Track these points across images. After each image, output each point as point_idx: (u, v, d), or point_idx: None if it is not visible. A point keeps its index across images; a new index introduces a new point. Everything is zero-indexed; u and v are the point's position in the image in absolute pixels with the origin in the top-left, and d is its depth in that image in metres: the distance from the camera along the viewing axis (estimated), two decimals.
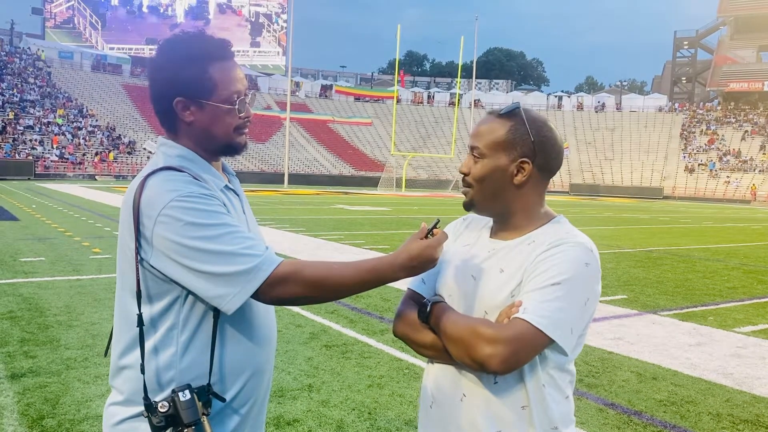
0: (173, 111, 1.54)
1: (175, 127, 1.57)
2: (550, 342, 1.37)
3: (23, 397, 4.03)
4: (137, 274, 1.45)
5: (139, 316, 1.46)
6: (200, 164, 1.56)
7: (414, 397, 4.29)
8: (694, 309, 7.69)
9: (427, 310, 1.50)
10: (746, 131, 64.88)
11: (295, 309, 6.71)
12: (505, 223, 1.55)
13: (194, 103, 1.52)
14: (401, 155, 57.81)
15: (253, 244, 1.42)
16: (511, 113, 1.51)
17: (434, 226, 1.47)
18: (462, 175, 1.56)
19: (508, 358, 1.33)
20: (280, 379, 4.50)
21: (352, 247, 12.27)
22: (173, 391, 1.40)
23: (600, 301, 7.78)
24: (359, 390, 4.40)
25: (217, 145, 1.58)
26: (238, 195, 1.65)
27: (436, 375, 1.54)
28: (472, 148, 1.53)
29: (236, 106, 1.54)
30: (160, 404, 1.38)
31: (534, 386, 1.43)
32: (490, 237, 1.58)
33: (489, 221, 1.61)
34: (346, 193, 41.66)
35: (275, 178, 51.18)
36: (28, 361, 4.73)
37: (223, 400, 1.49)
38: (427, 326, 1.50)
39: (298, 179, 51.51)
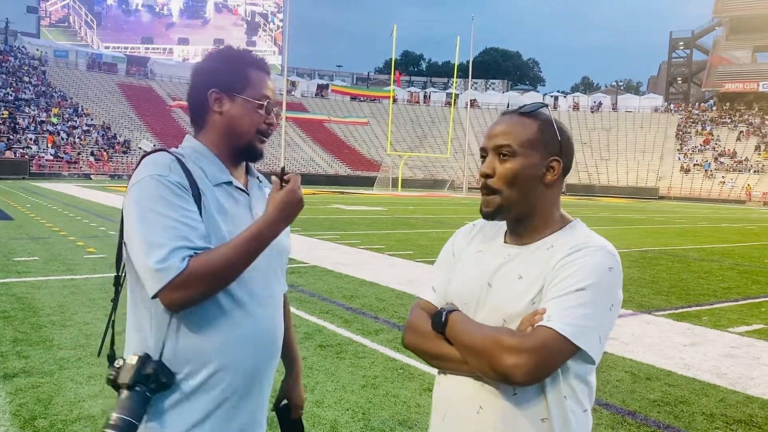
0: (206, 102, 1.65)
1: (204, 119, 1.67)
2: (576, 350, 1.32)
3: (15, 397, 4.01)
4: (120, 236, 1.58)
5: (116, 277, 1.64)
6: (209, 158, 1.64)
7: (408, 397, 4.29)
8: (689, 309, 7.70)
9: (442, 319, 1.43)
10: (741, 132, 65.08)
11: (290, 309, 6.69)
12: (522, 227, 1.48)
13: (227, 95, 1.64)
14: (397, 155, 57.82)
15: (175, 246, 1.44)
16: (538, 112, 1.47)
17: (283, 175, 1.58)
18: (482, 179, 1.47)
19: (533, 368, 1.28)
20: (274, 379, 4.48)
21: (348, 247, 12.26)
22: (133, 354, 1.51)
23: None
24: (353, 390, 4.40)
25: (239, 143, 1.66)
26: (248, 195, 1.69)
27: (449, 386, 1.47)
28: (499, 147, 1.45)
29: (263, 108, 1.65)
30: (116, 360, 1.50)
31: (555, 398, 1.37)
32: (504, 242, 1.51)
33: (502, 225, 1.54)
34: (342, 192, 41.64)
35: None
36: (20, 361, 4.71)
37: (173, 382, 1.51)
38: (443, 336, 1.43)
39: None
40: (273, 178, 1.60)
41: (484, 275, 1.47)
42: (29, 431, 3.54)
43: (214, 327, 1.54)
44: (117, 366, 1.48)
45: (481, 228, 1.60)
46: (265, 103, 1.66)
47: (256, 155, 1.69)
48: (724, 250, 14.91)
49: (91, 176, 45.43)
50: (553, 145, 1.46)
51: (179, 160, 1.56)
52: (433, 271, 1.63)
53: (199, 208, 1.53)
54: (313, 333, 5.80)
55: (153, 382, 1.48)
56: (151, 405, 1.49)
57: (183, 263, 1.43)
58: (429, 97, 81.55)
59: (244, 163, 1.74)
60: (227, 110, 1.64)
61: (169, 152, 1.59)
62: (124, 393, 1.44)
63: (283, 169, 1.62)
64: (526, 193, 1.44)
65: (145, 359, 1.49)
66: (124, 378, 1.45)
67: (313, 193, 37.67)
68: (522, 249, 1.46)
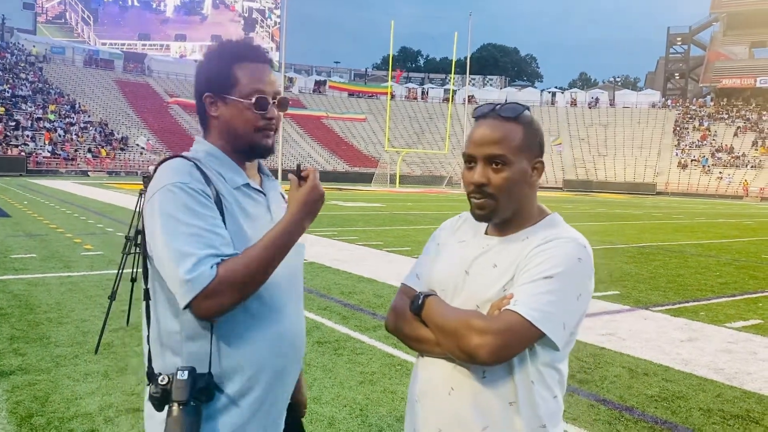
0: (204, 106, 1.64)
1: (207, 123, 1.66)
2: (540, 335, 1.36)
3: (12, 395, 4.00)
4: (144, 248, 1.55)
5: (146, 290, 1.58)
6: (223, 161, 1.63)
7: (406, 393, 4.27)
8: (686, 304, 7.71)
9: (419, 302, 1.51)
10: (739, 127, 65.14)
11: None
12: (506, 222, 1.53)
13: (219, 98, 1.61)
14: (395, 151, 57.77)
15: (205, 254, 1.42)
16: (520, 114, 1.49)
17: (300, 172, 1.58)
18: (473, 186, 1.49)
19: (497, 349, 1.34)
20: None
21: (346, 244, 12.25)
22: (177, 369, 1.45)
23: (592, 297, 7.77)
24: (351, 387, 4.39)
25: (241, 143, 1.64)
26: (265, 195, 1.68)
27: (425, 368, 1.54)
28: (492, 157, 1.46)
29: (252, 102, 1.59)
30: (160, 377, 1.44)
31: (522, 382, 1.42)
32: (485, 233, 1.57)
33: None
34: (340, 189, 41.61)
35: (270, 173, 51.04)
36: (17, 358, 4.70)
37: (221, 391, 1.51)
38: (419, 319, 1.51)
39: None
40: (290, 176, 1.58)
41: (463, 264, 1.54)
42: (26, 429, 3.54)
43: (247, 331, 1.55)
44: (163, 383, 1.43)
45: (466, 220, 1.67)
46: (255, 99, 1.59)
47: (263, 152, 1.66)
48: (721, 245, 14.93)
49: (89, 173, 45.34)
50: (536, 148, 1.51)
51: (197, 166, 1.54)
52: (418, 258, 1.70)
53: (222, 214, 1.52)
54: (311, 329, 5.79)
55: (204, 395, 1.47)
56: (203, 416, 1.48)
57: (212, 271, 1.41)
58: (427, 93, 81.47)
59: (256, 162, 1.73)
60: (221, 114, 1.62)
61: (186, 158, 1.57)
62: (177, 409, 1.41)
63: (299, 166, 1.60)
64: (518, 196, 1.50)
65: (195, 374, 1.46)
66: (181, 395, 1.41)
67: None
68: (500, 240, 1.53)
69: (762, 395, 4.54)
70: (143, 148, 52.03)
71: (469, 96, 69.26)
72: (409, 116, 74.92)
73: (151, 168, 1.65)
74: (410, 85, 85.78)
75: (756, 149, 61.05)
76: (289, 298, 1.65)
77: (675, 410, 4.19)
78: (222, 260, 1.43)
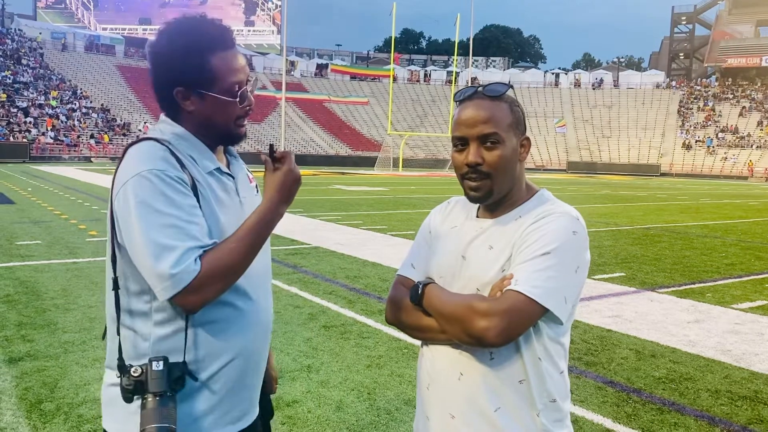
0: (174, 99, 1.54)
1: (176, 114, 1.57)
2: (544, 311, 1.38)
3: (21, 381, 4.02)
4: (112, 236, 1.49)
5: (114, 279, 1.51)
6: (194, 143, 1.56)
7: (413, 376, 4.29)
8: (692, 286, 7.70)
9: (419, 291, 1.50)
10: (744, 107, 64.68)
11: (293, 290, 6.70)
12: (497, 203, 1.53)
13: (194, 93, 1.53)
14: (398, 135, 57.61)
15: (187, 247, 1.39)
16: (504, 93, 1.49)
17: (273, 153, 1.53)
18: (466, 167, 1.48)
19: (503, 330, 1.34)
20: (279, 360, 4.49)
21: (350, 228, 12.25)
22: (150, 360, 1.42)
23: (598, 279, 7.81)
24: (358, 370, 4.40)
25: (217, 133, 1.59)
26: (234, 178, 1.63)
27: (431, 356, 1.54)
28: (485, 136, 1.46)
29: (237, 99, 1.55)
30: (132, 368, 1.41)
31: (530, 359, 1.43)
32: (477, 217, 1.57)
33: None
34: (343, 173, 41.56)
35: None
36: (25, 345, 4.71)
37: (195, 379, 1.49)
38: (420, 308, 1.50)
39: (294, 159, 51.28)
40: (264, 158, 1.53)
41: (459, 249, 1.53)
42: (36, 415, 3.55)
43: (223, 319, 1.54)
44: (136, 374, 1.40)
45: (455, 205, 1.67)
46: (238, 94, 1.54)
47: (236, 140, 1.62)
48: (726, 226, 14.88)
49: (92, 159, 45.35)
50: (521, 124, 1.52)
51: (170, 150, 1.48)
52: (411, 248, 1.69)
53: (198, 201, 1.48)
54: (317, 314, 5.80)
55: (179, 384, 1.45)
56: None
57: (197, 265, 1.39)
58: (429, 75, 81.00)
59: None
60: (198, 108, 1.54)
61: (157, 141, 1.50)
62: (152, 400, 1.38)
63: (271, 146, 1.56)
64: (511, 174, 1.50)
65: (169, 364, 1.43)
66: (157, 386, 1.39)
67: (314, 174, 37.61)
68: (493, 221, 1.53)
69: None
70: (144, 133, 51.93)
71: (472, 78, 68.88)
72: (411, 99, 74.58)
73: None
74: (413, 67, 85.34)
75: (761, 129, 60.66)
76: (260, 284, 1.64)
77: (683, 392, 4.19)
78: (204, 251, 1.41)
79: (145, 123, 52.74)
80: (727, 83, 70.65)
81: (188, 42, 1.50)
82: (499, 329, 1.34)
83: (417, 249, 1.66)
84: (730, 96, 67.85)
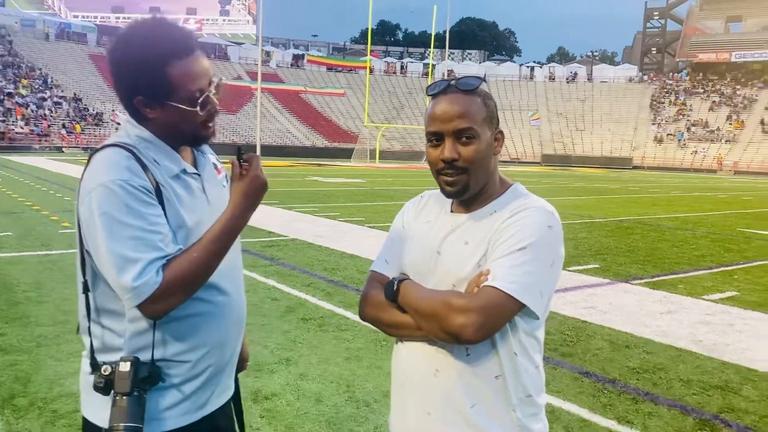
0: (135, 106, 1.54)
1: (139, 118, 1.57)
2: (521, 307, 1.38)
3: None
4: (79, 239, 1.51)
5: (84, 283, 1.54)
6: (158, 146, 1.56)
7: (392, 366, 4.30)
8: (665, 277, 7.83)
9: (394, 288, 1.48)
10: (714, 101, 65.77)
11: (271, 282, 6.67)
12: (471, 197, 1.52)
13: (154, 102, 1.52)
14: (374, 126, 57.48)
15: (149, 259, 1.40)
16: (477, 87, 1.48)
17: (240, 156, 1.52)
18: (443, 163, 1.47)
19: (481, 326, 1.34)
20: (257, 353, 4.48)
21: (328, 220, 12.22)
22: (121, 359, 1.46)
23: (573, 271, 7.90)
24: (337, 363, 4.41)
25: (182, 138, 1.59)
26: (200, 175, 1.63)
27: (407, 353, 1.53)
28: (462, 131, 1.45)
29: (197, 108, 1.52)
30: (103, 367, 1.45)
31: (506, 355, 1.44)
32: (451, 211, 1.56)
33: None
34: (320, 164, 41.40)
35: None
36: None
37: (162, 380, 1.51)
38: (395, 305, 1.49)
39: (270, 151, 50.86)
40: (233, 161, 1.54)
41: (433, 244, 1.52)
42: (9, 410, 3.50)
43: (197, 314, 1.55)
44: (106, 373, 1.44)
45: (429, 199, 1.65)
46: (199, 102, 1.52)
47: (203, 141, 1.62)
48: (697, 218, 15.15)
49: (63, 149, 44.51)
50: (495, 118, 1.51)
51: (135, 156, 1.48)
52: (385, 244, 1.66)
53: (162, 205, 1.48)
54: (296, 306, 5.79)
55: (148, 383, 1.47)
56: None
57: (159, 277, 1.40)
58: (406, 67, 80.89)
59: None
60: (159, 116, 1.53)
61: (120, 146, 1.49)
62: (121, 399, 1.42)
63: (239, 149, 1.53)
64: (486, 168, 1.50)
65: (137, 363, 1.46)
66: (123, 387, 1.42)
67: (290, 165, 37.42)
68: (468, 216, 1.52)
69: (740, 366, 4.64)
70: (119, 124, 51.11)
71: (448, 70, 68.95)
72: (388, 91, 74.47)
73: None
74: (389, 59, 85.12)
75: (730, 124, 61.74)
76: (231, 277, 1.65)
77: (656, 382, 4.27)
78: (167, 260, 1.42)
79: (113, 111, 51.80)
80: (697, 78, 71.74)
81: (145, 52, 1.48)
82: (476, 326, 1.34)
83: (390, 244, 1.65)
84: (701, 90, 68.91)
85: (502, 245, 1.41)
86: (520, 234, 1.41)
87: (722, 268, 8.59)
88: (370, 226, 11.43)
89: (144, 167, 1.48)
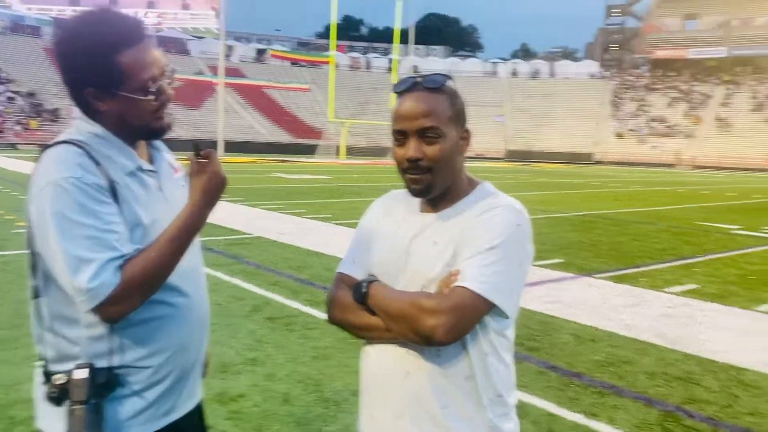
0: (85, 99, 1.49)
1: (91, 113, 1.52)
2: (491, 307, 1.37)
3: None
4: (30, 243, 1.46)
5: (35, 287, 1.49)
6: (112, 142, 1.51)
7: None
8: (627, 271, 7.97)
9: (363, 290, 1.46)
10: (672, 98, 67.32)
11: (236, 281, 6.57)
12: (439, 197, 1.51)
13: (106, 94, 1.47)
14: (340, 122, 57.30)
15: (105, 259, 1.35)
16: (444, 85, 1.46)
17: (198, 152, 1.48)
18: (408, 162, 1.45)
19: (452, 327, 1.33)
20: (222, 354, 4.40)
21: (293, 217, 12.12)
22: (77, 366, 1.40)
23: (538, 265, 7.97)
24: (304, 362, 4.36)
25: (136, 131, 1.54)
26: (157, 173, 1.58)
27: (376, 356, 1.51)
28: (426, 129, 1.43)
29: (149, 97, 1.48)
30: (56, 376, 1.40)
31: (477, 355, 1.43)
32: (420, 211, 1.54)
33: None
34: (284, 161, 41.08)
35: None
36: None
37: (122, 386, 1.46)
38: (364, 307, 1.46)
39: (233, 147, 50.23)
40: (189, 157, 1.49)
41: (402, 244, 1.50)
42: None
43: (157, 318, 1.50)
44: (60, 382, 1.38)
45: (397, 198, 1.63)
46: (151, 91, 1.48)
47: (159, 134, 1.57)
48: (657, 212, 15.49)
49: (18, 146, 43.25)
50: (462, 116, 1.50)
51: (87, 153, 1.43)
52: (352, 244, 1.64)
53: (117, 203, 1.43)
54: (261, 305, 5.71)
55: (106, 390, 1.42)
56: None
57: (116, 277, 1.35)
58: (370, 63, 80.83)
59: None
60: (111, 108, 1.49)
61: (72, 143, 1.44)
62: (78, 409, 1.36)
63: (196, 145, 1.50)
64: (452, 168, 1.48)
65: (94, 370, 1.40)
66: (79, 395, 1.37)
67: (254, 162, 37.04)
68: (436, 216, 1.50)
69: (701, 357, 4.73)
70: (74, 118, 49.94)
71: (413, 66, 69.09)
72: (353, 86, 74.24)
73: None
74: (354, 54, 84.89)
75: (687, 119, 63.29)
76: (192, 278, 1.60)
77: (621, 375, 4.33)
78: (124, 260, 1.37)
79: (70, 106, 50.52)
80: (656, 74, 73.35)
81: (93, 41, 1.43)
82: (447, 327, 1.33)
83: (358, 244, 1.62)
84: (660, 86, 70.49)
85: (472, 245, 1.40)
86: (490, 233, 1.40)
87: (682, 261, 8.79)
88: (336, 223, 11.37)
89: (97, 164, 1.42)
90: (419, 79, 1.47)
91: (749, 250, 9.99)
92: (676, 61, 73.04)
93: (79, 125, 1.51)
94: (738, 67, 69.35)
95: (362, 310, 1.47)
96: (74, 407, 1.35)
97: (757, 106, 62.12)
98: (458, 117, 1.48)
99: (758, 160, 52.85)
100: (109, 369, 1.43)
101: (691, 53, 71.22)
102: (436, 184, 1.46)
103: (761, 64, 68.89)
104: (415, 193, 1.49)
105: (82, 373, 1.38)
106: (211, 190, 1.48)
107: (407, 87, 1.47)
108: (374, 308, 1.44)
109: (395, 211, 1.60)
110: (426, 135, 1.43)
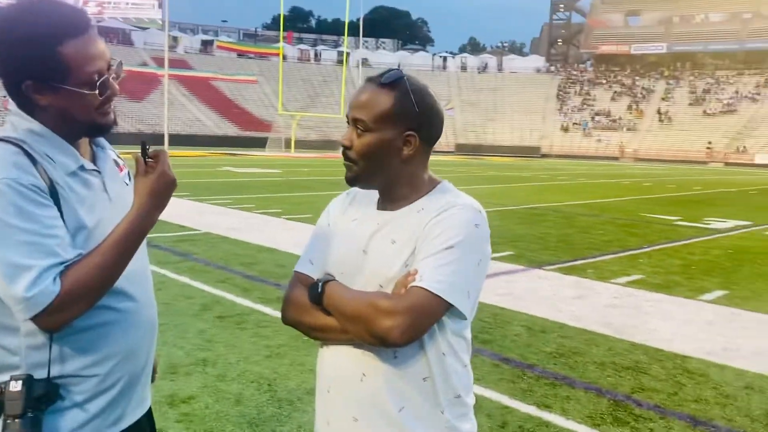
0: (24, 93, 1.37)
1: (29, 108, 1.41)
2: (448, 307, 1.36)
3: None
4: None
5: None
6: (53, 141, 1.41)
7: (315, 364, 4.22)
8: (575, 263, 8.13)
9: (318, 290, 1.43)
10: (615, 92, 69.17)
11: (184, 279, 6.41)
12: (391, 195, 1.50)
13: (47, 87, 1.37)
14: (289, 115, 56.70)
15: (45, 266, 1.27)
16: (396, 82, 1.44)
17: (145, 152, 1.40)
18: (342, 147, 1.47)
19: (408, 328, 1.31)
20: (171, 355, 4.28)
21: (242, 212, 11.92)
22: (11, 377, 1.31)
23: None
24: (257, 361, 4.28)
25: (78, 127, 1.44)
26: (100, 172, 1.49)
27: (331, 358, 1.49)
28: (355, 120, 1.44)
29: (96, 90, 1.39)
30: None
31: (435, 356, 1.41)
32: (378, 209, 1.52)
33: (375, 194, 1.55)
34: (233, 154, 40.45)
35: (154, 139, 48.03)
36: None
37: (61, 398, 1.38)
38: (320, 308, 1.43)
39: (179, 140, 49.06)
40: (135, 157, 1.41)
41: (359, 243, 1.48)
42: None
43: (103, 324, 1.42)
44: None
45: (355, 196, 1.61)
46: (97, 84, 1.39)
47: (103, 130, 1.47)
48: (603, 204, 15.88)
49: None
50: (409, 119, 1.45)
51: (25, 151, 1.33)
52: (309, 243, 1.61)
53: (59, 207, 1.34)
54: (211, 304, 5.58)
55: (44, 402, 1.33)
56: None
57: (56, 285, 1.26)
58: (320, 55, 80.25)
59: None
60: (52, 103, 1.38)
61: (9, 142, 1.34)
62: (14, 423, 1.27)
63: (144, 144, 1.42)
64: (381, 166, 1.46)
65: (30, 381, 1.31)
66: (14, 408, 1.27)
67: (201, 155, 36.36)
68: (394, 214, 1.48)
69: (648, 347, 4.86)
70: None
71: (363, 59, 68.96)
72: (302, 79, 73.58)
73: None
74: (302, 46, 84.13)
75: (630, 113, 65.16)
76: (139, 281, 1.53)
77: (572, 365, 4.40)
78: (66, 267, 1.29)
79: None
80: (600, 69, 75.23)
81: (34, 30, 1.33)
82: (403, 328, 1.30)
83: (315, 243, 1.59)
84: (604, 81, 72.32)
85: (429, 244, 1.38)
86: (448, 233, 1.38)
87: (628, 253, 9.03)
88: (287, 218, 11.24)
89: (35, 163, 1.33)
90: (384, 73, 1.46)
91: (691, 241, 10.35)
92: (619, 56, 75.05)
93: (14, 121, 1.41)
94: (678, 63, 71.80)
95: (317, 311, 1.44)
96: (9, 421, 1.27)
97: (696, 101, 64.47)
98: (400, 118, 1.43)
99: (697, 153, 54.86)
100: (48, 380, 1.35)
101: (634, 49, 73.29)
102: (361, 176, 1.46)
103: (700, 60, 71.57)
104: (346, 181, 1.49)
105: (18, 385, 1.30)
106: (160, 191, 1.40)
107: (371, 77, 1.48)
108: (329, 308, 1.41)
109: (354, 209, 1.57)
110: (356, 126, 1.44)
